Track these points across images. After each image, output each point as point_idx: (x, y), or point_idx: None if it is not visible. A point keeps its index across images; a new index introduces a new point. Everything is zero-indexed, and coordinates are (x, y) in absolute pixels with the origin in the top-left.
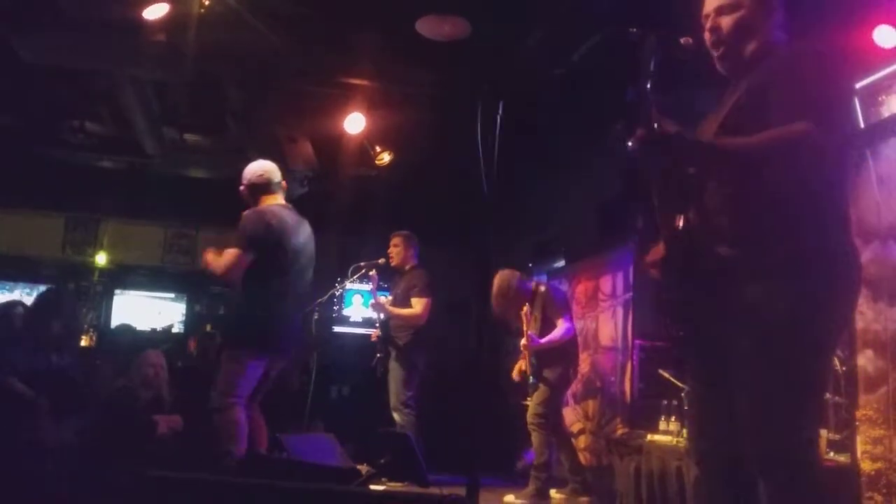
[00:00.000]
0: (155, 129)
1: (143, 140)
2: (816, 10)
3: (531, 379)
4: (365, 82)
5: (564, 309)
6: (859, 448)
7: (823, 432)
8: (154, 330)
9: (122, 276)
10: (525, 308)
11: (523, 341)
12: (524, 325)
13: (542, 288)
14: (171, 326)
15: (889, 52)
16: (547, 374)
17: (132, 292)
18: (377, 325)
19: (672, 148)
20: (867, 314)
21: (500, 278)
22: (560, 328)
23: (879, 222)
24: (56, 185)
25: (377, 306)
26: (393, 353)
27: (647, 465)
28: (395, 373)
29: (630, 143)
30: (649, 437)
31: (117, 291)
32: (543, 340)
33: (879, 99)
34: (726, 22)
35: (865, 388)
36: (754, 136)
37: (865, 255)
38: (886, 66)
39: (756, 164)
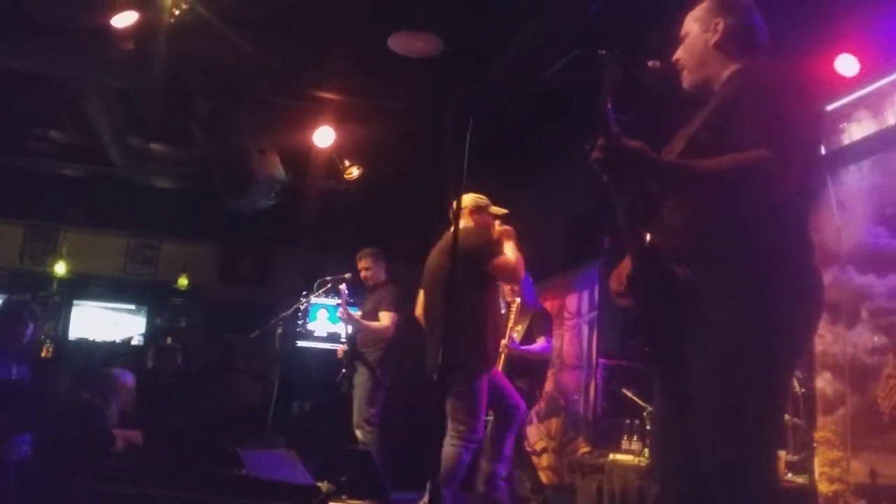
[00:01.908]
0: (120, 137)
1: (108, 148)
2: (779, 38)
3: None
4: (335, 96)
5: (548, 330)
6: (817, 469)
7: (782, 453)
8: (113, 342)
9: (82, 286)
10: (517, 301)
11: (504, 342)
12: (510, 322)
13: (538, 306)
14: (130, 339)
15: (850, 81)
16: (518, 383)
17: (91, 303)
18: (344, 340)
19: (632, 161)
20: (826, 337)
21: None
22: (540, 344)
23: (839, 247)
24: (16, 193)
25: (345, 316)
26: (358, 369)
27: (609, 485)
28: (360, 389)
29: (592, 154)
30: (612, 456)
31: (76, 302)
32: (523, 347)
33: (840, 126)
34: (679, 50)
35: (824, 411)
36: (715, 159)
37: (825, 279)
38: (847, 94)
39: (714, 186)
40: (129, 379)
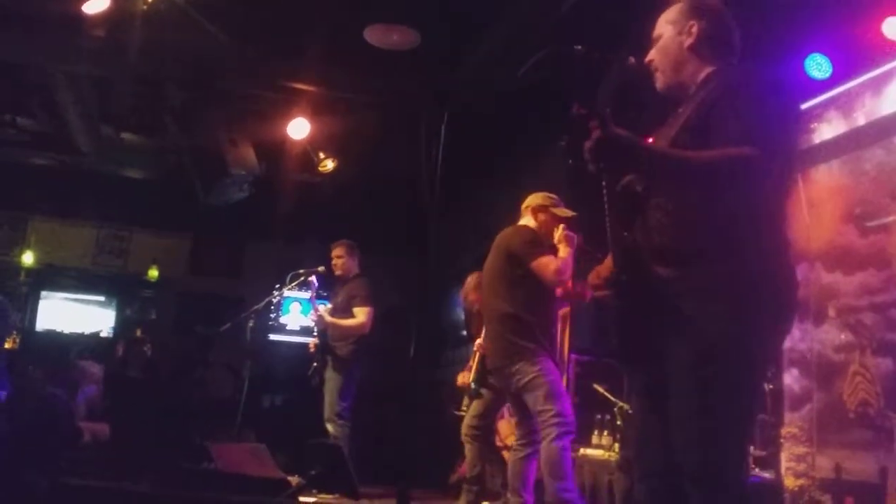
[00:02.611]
0: (91, 126)
1: (78, 137)
2: (750, 39)
3: (473, 385)
4: (311, 88)
5: None
6: (783, 465)
7: (749, 449)
8: (82, 334)
9: (50, 277)
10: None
11: (479, 341)
12: (483, 328)
13: None
14: (98, 331)
15: (820, 82)
16: (492, 379)
17: (59, 294)
18: (315, 333)
19: (624, 150)
20: (794, 334)
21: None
22: None
23: (808, 245)
24: None
25: (319, 321)
26: (330, 363)
27: (580, 479)
28: (331, 383)
29: (585, 146)
30: (582, 450)
31: (44, 293)
32: None
33: (811, 126)
34: (653, 51)
35: (790, 407)
36: (702, 151)
37: None
38: (818, 95)
39: (703, 178)
40: (96, 371)
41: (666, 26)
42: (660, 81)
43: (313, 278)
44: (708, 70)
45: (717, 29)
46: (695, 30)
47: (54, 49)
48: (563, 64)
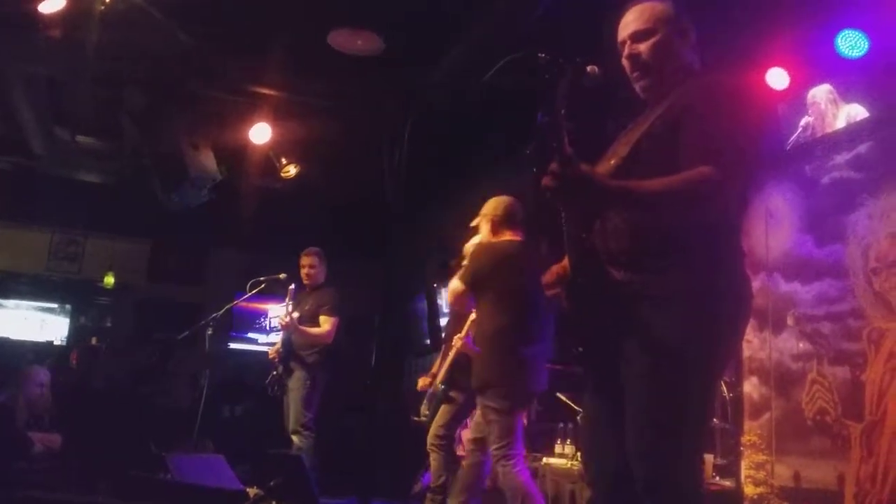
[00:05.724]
0: (45, 128)
1: (31, 139)
2: (713, 50)
3: (441, 386)
4: (273, 92)
5: None
6: (743, 473)
7: (710, 457)
8: (35, 342)
9: (1, 283)
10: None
11: (457, 337)
12: (467, 324)
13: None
14: (52, 340)
15: (780, 94)
16: (462, 381)
17: (11, 301)
18: (277, 342)
19: (584, 187)
20: (753, 343)
21: None
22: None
23: (767, 255)
24: None
25: (290, 325)
26: (294, 373)
27: (542, 488)
28: (295, 393)
29: (543, 180)
30: (545, 459)
31: None
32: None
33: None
34: (644, 47)
35: (750, 415)
36: (660, 179)
37: (753, 286)
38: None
39: (662, 207)
40: (39, 376)
41: (660, 24)
42: (644, 80)
43: (293, 286)
44: (682, 70)
45: (694, 35)
46: (691, 34)
47: (7, 48)
48: (527, 72)
